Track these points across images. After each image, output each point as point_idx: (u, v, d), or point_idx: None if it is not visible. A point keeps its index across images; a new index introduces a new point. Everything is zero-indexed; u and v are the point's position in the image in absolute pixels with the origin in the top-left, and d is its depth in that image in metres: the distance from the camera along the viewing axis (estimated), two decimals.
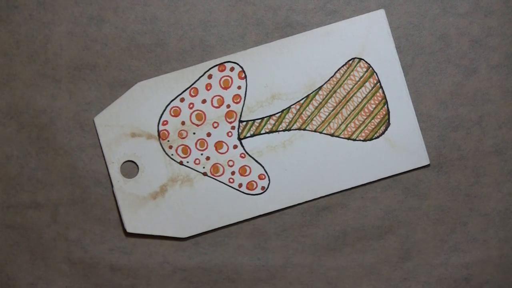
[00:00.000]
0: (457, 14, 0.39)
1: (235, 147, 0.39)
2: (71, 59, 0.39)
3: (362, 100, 0.39)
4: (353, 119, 0.39)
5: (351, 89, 0.39)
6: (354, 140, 0.39)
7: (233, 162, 0.39)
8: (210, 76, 0.39)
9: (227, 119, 0.39)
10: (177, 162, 0.39)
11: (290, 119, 0.39)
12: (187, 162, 0.39)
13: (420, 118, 0.39)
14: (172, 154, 0.39)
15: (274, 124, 0.39)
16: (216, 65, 0.39)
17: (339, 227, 0.39)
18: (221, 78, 0.39)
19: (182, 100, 0.39)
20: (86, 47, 0.39)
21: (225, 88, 0.39)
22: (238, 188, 0.39)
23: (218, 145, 0.39)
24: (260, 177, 0.39)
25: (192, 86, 0.39)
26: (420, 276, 0.40)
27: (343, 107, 0.39)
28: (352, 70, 0.38)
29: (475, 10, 0.39)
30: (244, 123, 0.39)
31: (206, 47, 0.39)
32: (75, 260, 0.39)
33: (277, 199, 0.39)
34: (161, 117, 0.39)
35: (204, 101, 0.39)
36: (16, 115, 0.39)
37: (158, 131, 0.39)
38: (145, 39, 0.39)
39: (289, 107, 0.39)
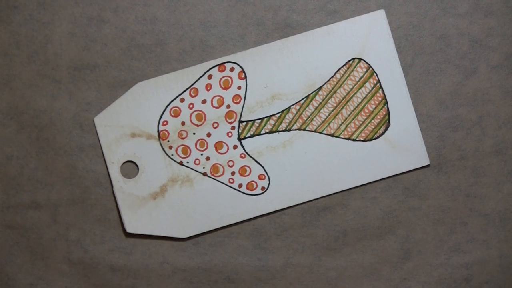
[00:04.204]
0: (457, 14, 0.39)
1: (235, 147, 0.39)
2: (71, 59, 0.39)
3: (362, 100, 0.39)
4: (353, 119, 0.39)
5: (351, 89, 0.39)
6: (354, 140, 0.39)
7: (233, 162, 0.39)
8: (210, 76, 0.39)
9: (227, 119, 0.39)
10: (177, 162, 0.39)
11: (290, 119, 0.39)
12: (187, 162, 0.39)
13: (420, 118, 0.39)
14: (172, 155, 0.39)
15: (274, 124, 0.39)
16: (216, 65, 0.39)
17: (339, 227, 0.39)
18: (221, 78, 0.39)
19: (182, 100, 0.39)
20: (86, 47, 0.39)
21: (225, 88, 0.39)
22: (238, 188, 0.39)
23: (218, 145, 0.39)
24: (260, 177, 0.39)
25: (192, 86, 0.39)
26: (420, 276, 0.40)
27: (343, 108, 0.39)
28: (352, 70, 0.38)
29: (475, 10, 0.39)
30: (244, 123, 0.39)
31: (206, 47, 0.39)
32: (75, 260, 0.39)
33: (277, 199, 0.39)
34: (161, 117, 0.39)
35: (204, 101, 0.39)
36: (16, 116, 0.39)
37: (158, 131, 0.39)
38: (145, 39, 0.39)
39: (289, 107, 0.39)
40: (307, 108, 0.39)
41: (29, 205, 0.39)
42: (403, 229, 0.39)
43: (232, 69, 0.39)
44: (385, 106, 0.39)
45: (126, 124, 0.39)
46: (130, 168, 0.39)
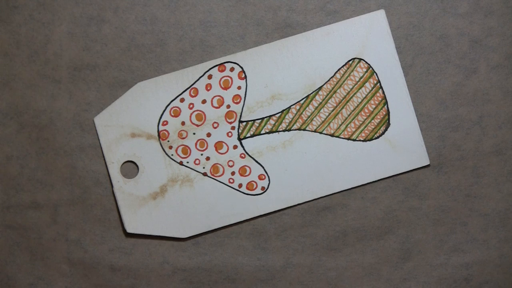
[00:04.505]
0: (457, 14, 0.39)
1: (235, 147, 0.39)
2: (71, 59, 0.39)
3: (362, 100, 0.39)
4: (353, 119, 0.39)
5: (351, 89, 0.39)
6: (354, 140, 0.39)
7: (233, 162, 0.39)
8: (210, 77, 0.39)
9: (227, 119, 0.39)
10: (177, 162, 0.39)
11: (290, 119, 0.39)
12: (187, 162, 0.39)
13: (420, 118, 0.39)
14: (172, 155, 0.39)
15: (274, 124, 0.39)
16: (216, 65, 0.39)
17: (339, 227, 0.39)
18: (221, 78, 0.39)
19: (182, 100, 0.39)
20: (86, 47, 0.39)
21: (225, 88, 0.39)
22: (238, 188, 0.39)
23: (218, 145, 0.39)
24: (260, 177, 0.39)
25: (192, 86, 0.39)
26: (420, 276, 0.40)
27: (343, 108, 0.39)
28: (352, 71, 0.38)
29: (475, 10, 0.39)
30: (244, 123, 0.39)
31: (206, 47, 0.39)
32: (75, 260, 0.39)
33: (277, 199, 0.39)
34: (161, 117, 0.39)
35: (204, 101, 0.39)
36: (16, 116, 0.39)
37: (158, 131, 0.39)
38: (145, 39, 0.39)
39: (289, 107, 0.39)
40: (307, 108, 0.39)
41: (29, 205, 0.39)
42: (403, 229, 0.39)
43: (232, 69, 0.39)
44: (385, 106, 0.39)
45: (126, 124, 0.39)
46: (130, 168, 0.39)
